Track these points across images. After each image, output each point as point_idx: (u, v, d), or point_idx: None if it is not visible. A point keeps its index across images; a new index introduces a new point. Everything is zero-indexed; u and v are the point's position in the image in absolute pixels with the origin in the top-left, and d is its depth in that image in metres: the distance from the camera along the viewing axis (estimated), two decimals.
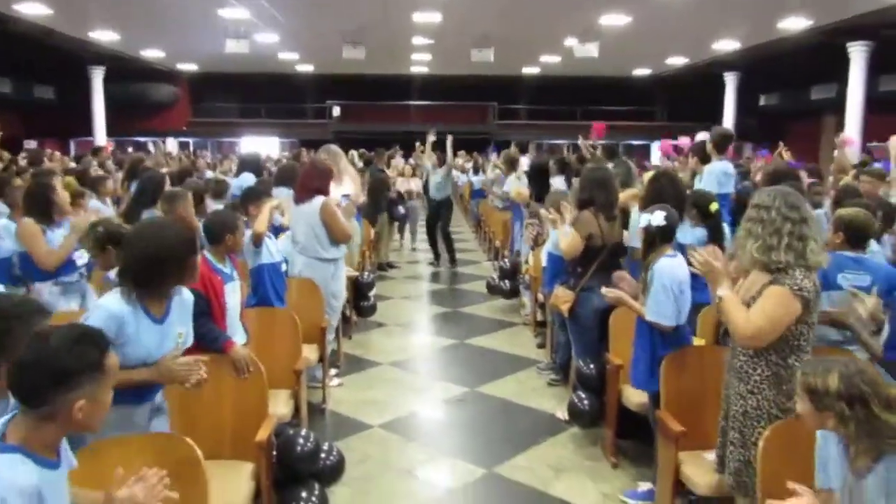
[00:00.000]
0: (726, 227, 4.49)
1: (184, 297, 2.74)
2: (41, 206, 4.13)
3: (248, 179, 7.33)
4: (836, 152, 7.82)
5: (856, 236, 3.32)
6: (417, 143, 11.28)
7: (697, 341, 3.69)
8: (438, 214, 10.29)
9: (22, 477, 1.57)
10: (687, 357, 3.35)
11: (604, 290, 3.69)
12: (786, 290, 2.50)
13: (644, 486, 3.67)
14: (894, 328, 2.87)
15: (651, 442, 3.54)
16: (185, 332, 2.73)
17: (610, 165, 6.49)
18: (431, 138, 10.34)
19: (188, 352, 2.70)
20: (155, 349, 2.54)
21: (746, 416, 2.64)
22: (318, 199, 5.03)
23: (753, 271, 2.70)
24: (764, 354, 2.60)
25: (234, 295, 3.52)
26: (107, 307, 2.49)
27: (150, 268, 2.52)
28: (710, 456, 2.98)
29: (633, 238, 4.52)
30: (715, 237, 4.15)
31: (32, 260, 4.01)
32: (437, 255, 10.51)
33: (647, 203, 4.38)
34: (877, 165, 7.71)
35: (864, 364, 2.12)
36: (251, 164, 8.02)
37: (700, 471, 3.05)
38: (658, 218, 3.43)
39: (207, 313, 3.29)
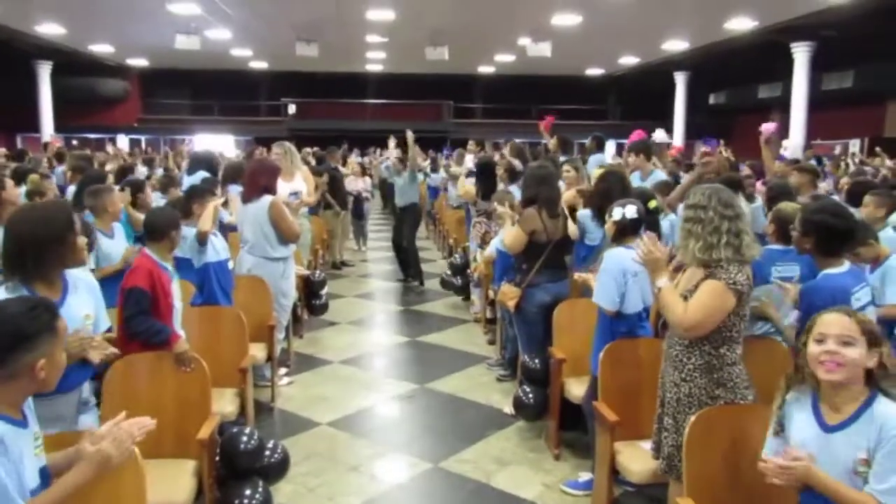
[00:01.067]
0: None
1: (89, 282, 2.73)
2: None
3: (202, 176, 7.26)
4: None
5: (783, 230, 3.48)
6: (391, 141, 10.78)
7: None
8: (403, 224, 8.93)
9: None
10: (623, 349, 3.46)
11: (576, 275, 3.82)
12: (721, 284, 2.62)
13: (584, 476, 3.78)
14: (803, 312, 3.01)
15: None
16: (95, 316, 2.70)
17: (563, 159, 6.64)
18: (411, 136, 8.79)
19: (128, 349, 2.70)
20: None
21: (679, 403, 2.75)
22: (267, 198, 5.02)
23: (692, 267, 2.82)
24: (698, 344, 2.72)
25: (177, 293, 3.52)
26: None
27: (26, 250, 2.46)
28: (646, 445, 3.09)
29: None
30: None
31: None
32: (406, 271, 9.16)
33: (597, 201, 4.50)
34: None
35: None
36: (205, 161, 7.92)
37: (635, 459, 3.15)
38: (631, 211, 3.57)
39: (147, 311, 3.27)
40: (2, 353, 1.76)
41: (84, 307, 2.64)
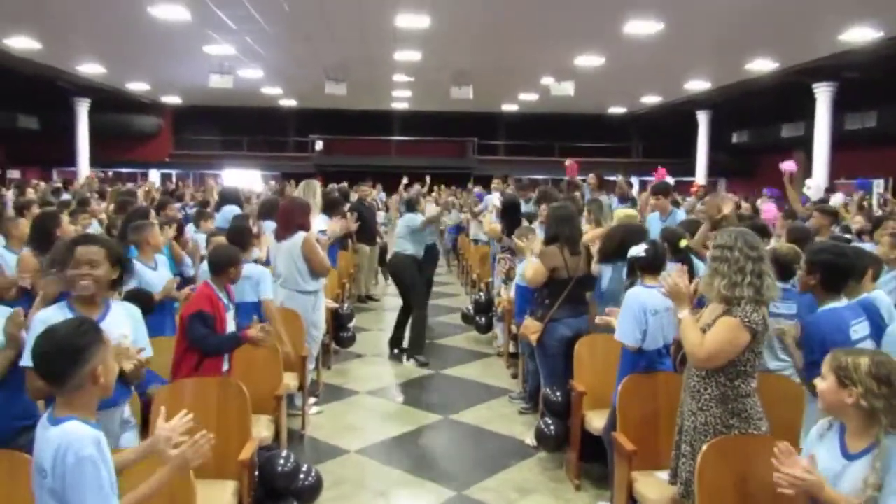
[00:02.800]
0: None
1: (130, 309, 3.04)
2: (44, 239, 4.36)
3: (233, 211, 7.61)
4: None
5: (782, 270, 3.66)
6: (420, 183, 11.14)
7: None
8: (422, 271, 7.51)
9: (87, 430, 1.97)
10: (641, 382, 3.61)
11: (597, 319, 4.00)
12: (737, 321, 2.81)
13: None
14: (806, 344, 3.18)
15: None
16: (132, 338, 2.95)
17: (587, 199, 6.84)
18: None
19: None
20: None
21: (696, 431, 2.92)
22: (300, 234, 5.29)
23: (713, 303, 3.01)
24: (714, 376, 2.89)
25: (232, 323, 3.79)
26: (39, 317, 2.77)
27: None
28: (663, 475, 3.23)
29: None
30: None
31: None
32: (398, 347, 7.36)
33: (612, 249, 4.62)
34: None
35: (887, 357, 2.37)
36: (233, 198, 8.34)
37: (652, 487, 3.29)
38: (638, 250, 3.78)
39: (213, 329, 3.63)
40: (65, 368, 2.00)
41: (121, 327, 2.90)
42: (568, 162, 9.71)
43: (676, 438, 3.08)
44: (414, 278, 7.09)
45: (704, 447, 2.76)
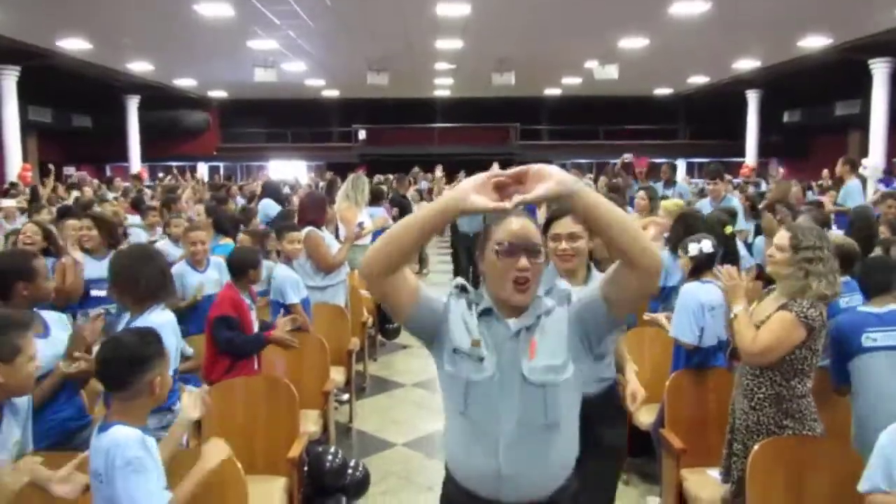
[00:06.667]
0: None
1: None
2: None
3: (270, 205, 7.76)
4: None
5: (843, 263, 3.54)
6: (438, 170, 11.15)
7: None
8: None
9: (133, 432, 2.08)
10: (691, 378, 3.55)
11: (646, 315, 3.97)
12: (793, 316, 2.74)
13: (653, 502, 3.86)
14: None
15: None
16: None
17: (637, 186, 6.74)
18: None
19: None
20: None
21: (748, 430, 2.85)
22: (305, 230, 5.13)
23: (771, 296, 2.94)
24: (768, 375, 2.82)
25: (255, 323, 3.87)
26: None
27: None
28: (714, 473, 3.18)
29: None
30: (730, 258, 4.31)
31: None
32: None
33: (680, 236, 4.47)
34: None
35: None
36: (272, 191, 8.51)
37: (702, 486, 3.24)
38: (707, 246, 3.70)
39: (238, 328, 3.70)
40: (127, 375, 2.12)
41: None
42: (628, 157, 9.54)
43: (728, 437, 3.02)
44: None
45: (756, 447, 2.70)
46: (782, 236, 2.92)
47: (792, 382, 2.79)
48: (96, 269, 4.29)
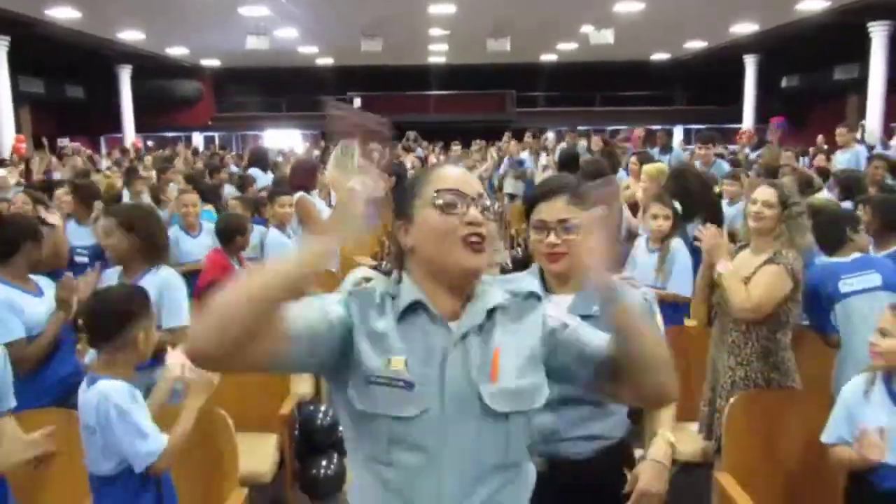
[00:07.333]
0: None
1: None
2: None
3: (255, 174, 7.76)
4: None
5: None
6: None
7: (689, 322, 3.93)
8: None
9: (121, 384, 2.13)
10: (668, 335, 3.59)
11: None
12: (782, 268, 2.79)
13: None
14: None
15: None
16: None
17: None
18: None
19: None
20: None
21: (734, 386, 2.90)
22: (297, 195, 5.08)
23: (744, 253, 2.99)
24: (755, 329, 2.87)
25: None
26: None
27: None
28: (694, 427, 3.24)
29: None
30: (714, 219, 4.33)
31: None
32: None
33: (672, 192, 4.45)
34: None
35: None
36: (258, 159, 8.49)
37: (683, 441, 3.30)
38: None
39: None
40: (112, 329, 2.19)
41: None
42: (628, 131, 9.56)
43: (709, 395, 3.06)
44: None
45: (732, 399, 2.76)
46: (769, 193, 2.93)
47: (777, 335, 2.86)
48: (81, 235, 4.32)
